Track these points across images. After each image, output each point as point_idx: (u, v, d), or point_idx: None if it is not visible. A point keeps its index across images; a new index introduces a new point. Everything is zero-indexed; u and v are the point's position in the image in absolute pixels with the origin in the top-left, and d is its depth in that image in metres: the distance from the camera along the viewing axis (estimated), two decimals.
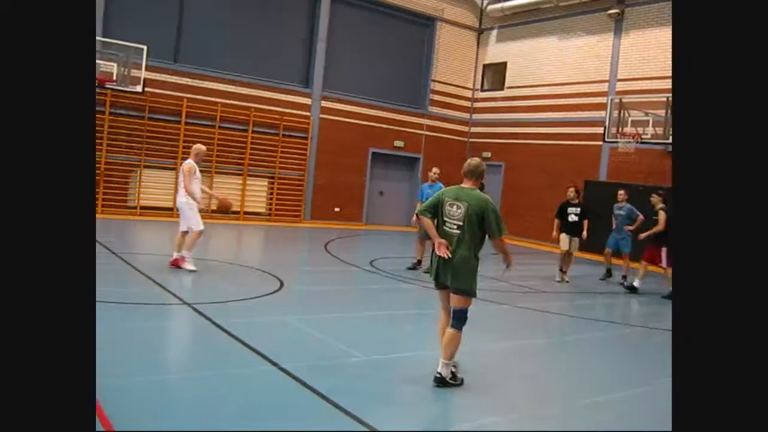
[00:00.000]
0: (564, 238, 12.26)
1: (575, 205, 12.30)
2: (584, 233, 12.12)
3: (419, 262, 11.89)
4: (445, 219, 5.46)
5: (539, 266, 14.49)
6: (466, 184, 5.60)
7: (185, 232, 9.53)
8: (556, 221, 12.53)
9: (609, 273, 13.08)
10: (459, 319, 5.37)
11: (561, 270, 12.40)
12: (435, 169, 12.27)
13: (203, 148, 9.93)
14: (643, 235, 11.55)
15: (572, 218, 12.19)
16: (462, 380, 5.43)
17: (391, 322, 7.74)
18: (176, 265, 9.46)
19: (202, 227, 9.50)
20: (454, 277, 5.34)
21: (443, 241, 5.37)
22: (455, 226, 5.39)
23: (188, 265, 9.39)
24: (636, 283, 11.71)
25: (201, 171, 9.70)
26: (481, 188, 5.66)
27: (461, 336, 5.37)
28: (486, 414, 4.88)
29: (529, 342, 7.55)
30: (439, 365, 5.33)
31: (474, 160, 5.76)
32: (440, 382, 5.28)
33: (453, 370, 5.39)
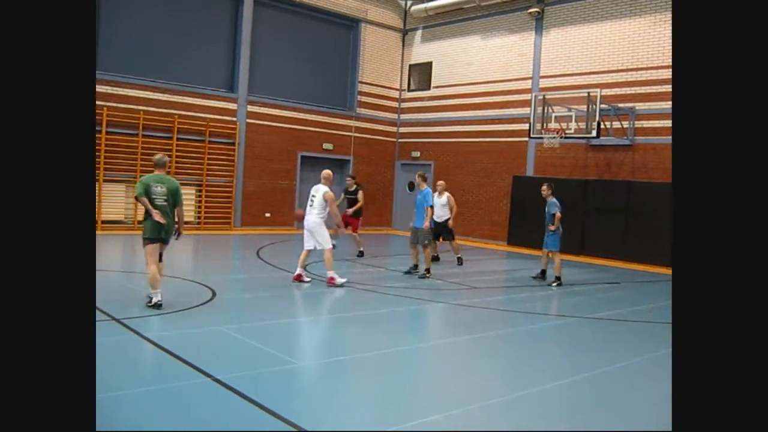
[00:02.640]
0: None
1: None
2: None
3: (415, 266, 12.07)
4: (154, 197, 7.75)
5: (471, 263, 14.64)
6: (161, 172, 7.97)
7: (310, 250, 10.39)
8: None
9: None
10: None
11: None
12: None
13: (330, 172, 11.07)
14: (349, 211, 14.10)
15: None
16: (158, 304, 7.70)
17: (327, 326, 7.66)
18: (299, 280, 10.21)
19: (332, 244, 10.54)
20: (167, 234, 7.92)
21: (158, 211, 7.70)
22: (163, 200, 7.80)
23: (339, 279, 10.21)
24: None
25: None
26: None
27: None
28: (428, 412, 4.86)
29: (465, 337, 7.59)
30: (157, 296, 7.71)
31: (157, 155, 8.16)
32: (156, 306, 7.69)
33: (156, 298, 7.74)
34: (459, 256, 13.91)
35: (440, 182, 14.22)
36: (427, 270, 11.78)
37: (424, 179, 12.29)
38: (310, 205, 10.46)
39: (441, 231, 13.75)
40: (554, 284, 11.69)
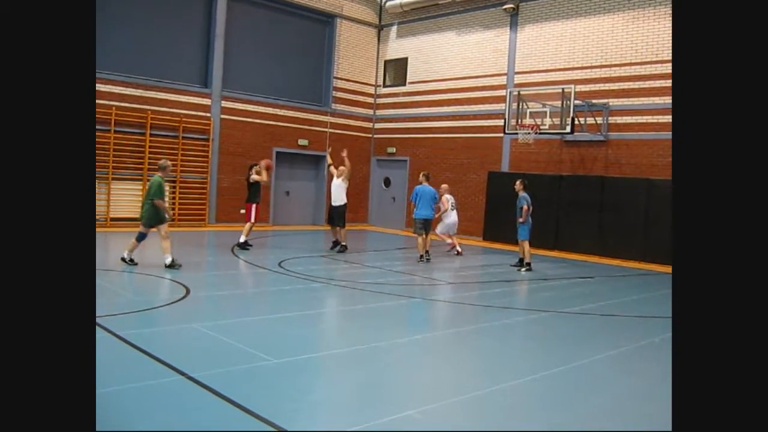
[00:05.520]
0: None
1: None
2: None
3: (426, 253, 13.65)
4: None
5: (447, 258, 14.68)
6: (157, 174, 10.93)
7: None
8: None
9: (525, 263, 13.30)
10: (139, 235, 10.80)
11: None
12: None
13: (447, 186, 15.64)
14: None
15: None
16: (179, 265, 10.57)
17: (302, 323, 7.63)
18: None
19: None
20: (141, 218, 10.93)
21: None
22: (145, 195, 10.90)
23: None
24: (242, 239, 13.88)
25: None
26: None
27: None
28: (402, 407, 4.86)
29: (441, 333, 7.61)
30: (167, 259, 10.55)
31: (161, 161, 11.28)
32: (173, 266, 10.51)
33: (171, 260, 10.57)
34: (344, 243, 14.53)
35: (341, 168, 14.88)
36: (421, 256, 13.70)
37: (428, 178, 14.30)
38: (453, 208, 15.12)
39: (334, 215, 14.60)
40: (523, 269, 13.02)
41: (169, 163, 11.25)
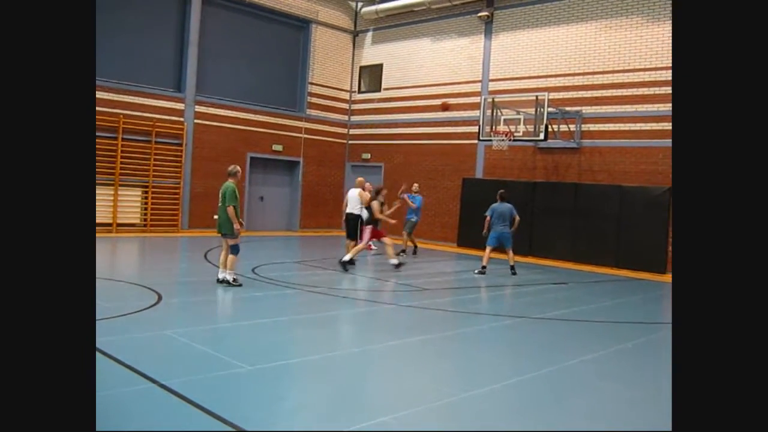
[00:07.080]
0: None
1: None
2: None
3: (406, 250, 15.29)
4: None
5: (421, 264, 14.68)
6: (227, 180, 10.07)
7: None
8: None
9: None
10: (233, 248, 10.01)
11: None
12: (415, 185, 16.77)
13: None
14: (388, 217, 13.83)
15: None
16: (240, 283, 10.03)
17: (276, 330, 7.57)
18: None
19: None
20: (220, 228, 10.09)
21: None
22: (220, 201, 9.98)
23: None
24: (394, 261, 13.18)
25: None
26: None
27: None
28: (376, 414, 4.83)
29: (415, 339, 7.59)
30: (220, 274, 10.05)
31: (230, 167, 10.22)
32: (224, 282, 9.96)
33: (233, 277, 10.02)
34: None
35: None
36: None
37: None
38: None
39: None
40: (476, 271, 13.37)
41: (239, 168, 10.30)
